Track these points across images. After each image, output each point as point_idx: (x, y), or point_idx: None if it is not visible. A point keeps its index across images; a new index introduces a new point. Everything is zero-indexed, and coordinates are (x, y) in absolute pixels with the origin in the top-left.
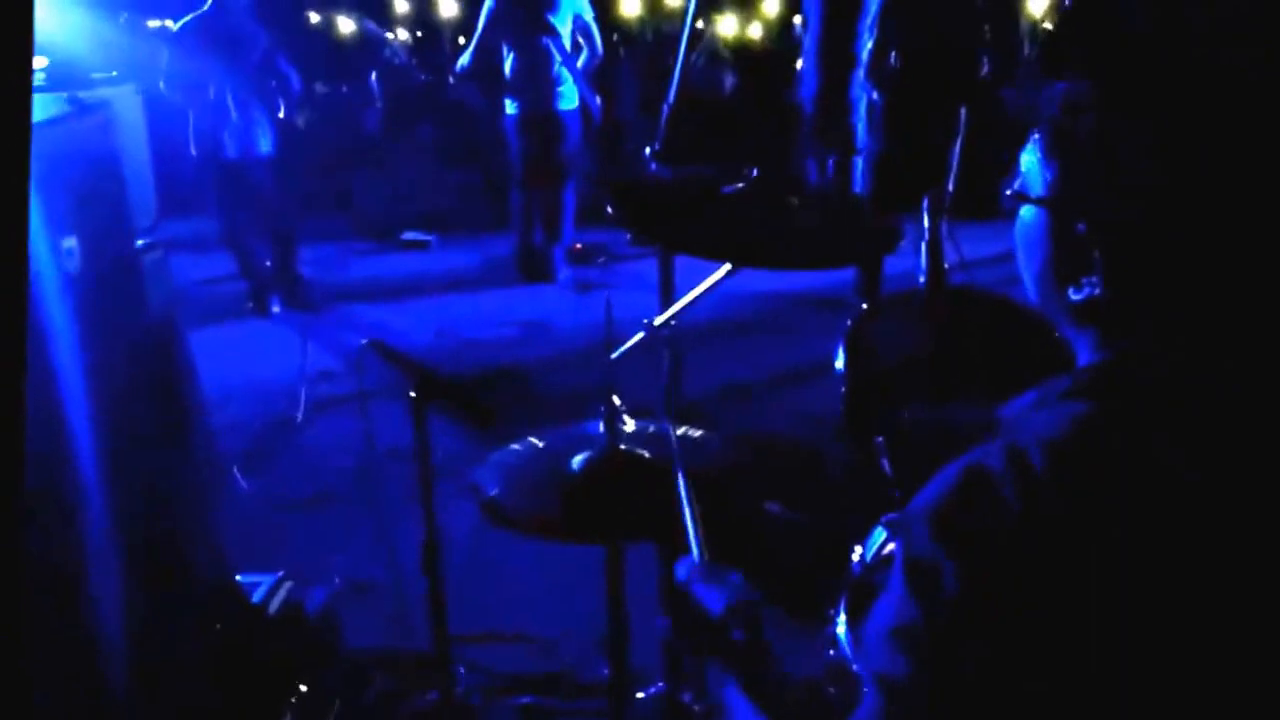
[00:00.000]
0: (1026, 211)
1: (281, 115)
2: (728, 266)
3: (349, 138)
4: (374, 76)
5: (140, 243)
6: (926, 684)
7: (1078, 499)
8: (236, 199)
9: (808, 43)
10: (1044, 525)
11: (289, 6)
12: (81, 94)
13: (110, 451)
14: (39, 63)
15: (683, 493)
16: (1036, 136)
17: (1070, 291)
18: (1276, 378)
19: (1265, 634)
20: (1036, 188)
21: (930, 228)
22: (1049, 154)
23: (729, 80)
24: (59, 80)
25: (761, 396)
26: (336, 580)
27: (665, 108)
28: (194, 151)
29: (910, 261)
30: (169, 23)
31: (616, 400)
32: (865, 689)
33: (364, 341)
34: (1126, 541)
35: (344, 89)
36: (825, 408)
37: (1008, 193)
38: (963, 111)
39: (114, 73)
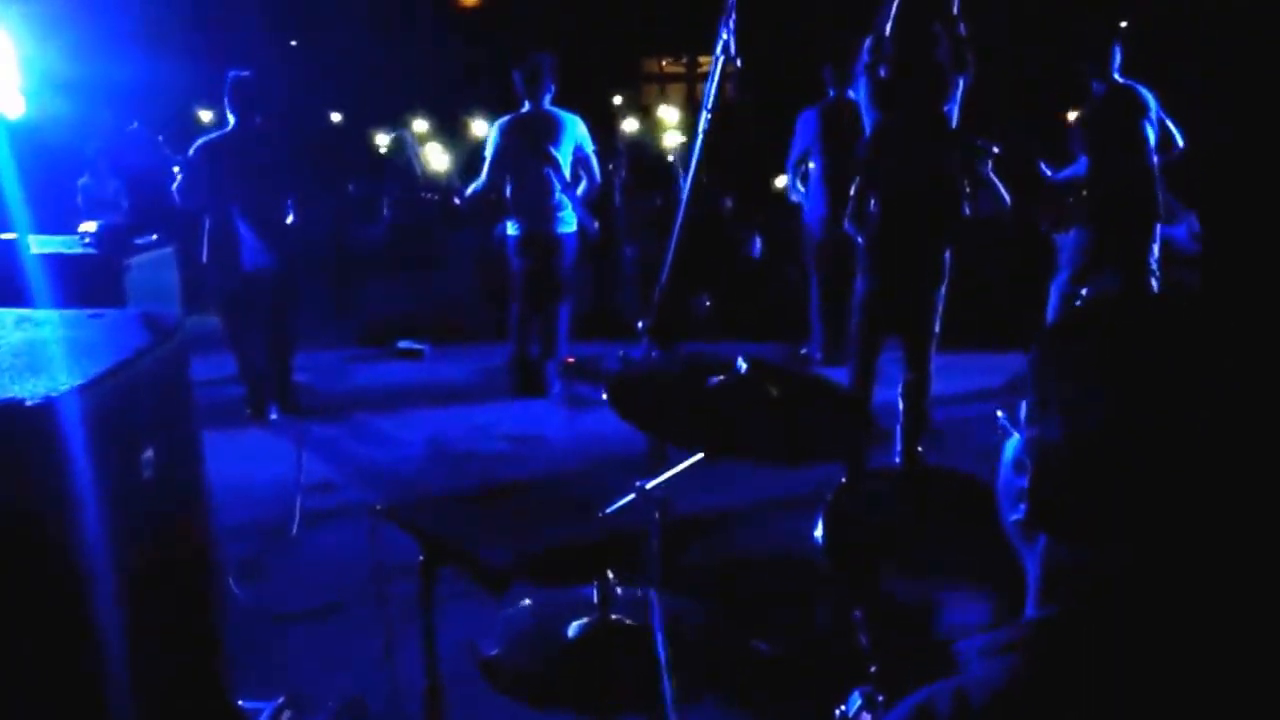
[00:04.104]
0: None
1: (289, 221)
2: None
3: (351, 246)
4: (384, 188)
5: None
6: None
7: None
8: (241, 306)
9: (813, 172)
10: None
11: (308, 129)
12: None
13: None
14: (89, 227)
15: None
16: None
17: (1023, 545)
18: (1199, 645)
19: None
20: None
21: (908, 374)
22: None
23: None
24: (109, 245)
25: (746, 523)
26: (332, 704)
27: (658, 289)
28: (205, 259)
29: (890, 393)
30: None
31: (610, 574)
32: None
33: (377, 507)
34: None
35: (351, 198)
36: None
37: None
38: (947, 254)
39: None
